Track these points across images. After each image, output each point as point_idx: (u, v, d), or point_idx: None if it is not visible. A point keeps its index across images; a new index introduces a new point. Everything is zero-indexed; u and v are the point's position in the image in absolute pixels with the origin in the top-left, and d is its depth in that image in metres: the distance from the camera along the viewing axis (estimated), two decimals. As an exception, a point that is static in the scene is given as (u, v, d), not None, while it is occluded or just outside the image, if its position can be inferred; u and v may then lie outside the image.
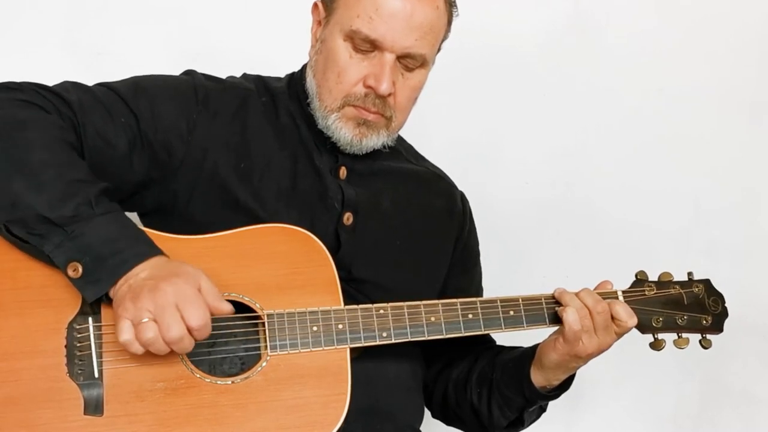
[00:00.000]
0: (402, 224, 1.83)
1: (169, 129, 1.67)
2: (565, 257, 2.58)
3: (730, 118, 2.67)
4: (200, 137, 1.69)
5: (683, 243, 2.64)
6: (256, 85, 1.81)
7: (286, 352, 1.57)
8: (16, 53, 2.21)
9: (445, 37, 1.76)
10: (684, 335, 1.77)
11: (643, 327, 1.74)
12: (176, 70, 1.80)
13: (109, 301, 1.48)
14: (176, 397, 1.50)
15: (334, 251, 1.68)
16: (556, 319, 1.70)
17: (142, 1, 2.29)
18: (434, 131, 2.35)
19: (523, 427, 1.87)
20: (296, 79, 1.82)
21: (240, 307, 1.56)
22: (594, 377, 2.37)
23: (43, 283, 1.49)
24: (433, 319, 1.66)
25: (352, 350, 1.60)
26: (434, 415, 1.99)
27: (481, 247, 2.00)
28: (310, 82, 1.76)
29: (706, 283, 1.81)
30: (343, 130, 1.72)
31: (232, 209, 1.69)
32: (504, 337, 1.85)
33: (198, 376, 1.52)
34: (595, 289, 1.75)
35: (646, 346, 1.77)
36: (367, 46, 1.67)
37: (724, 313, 1.80)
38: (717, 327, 1.79)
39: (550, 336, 1.73)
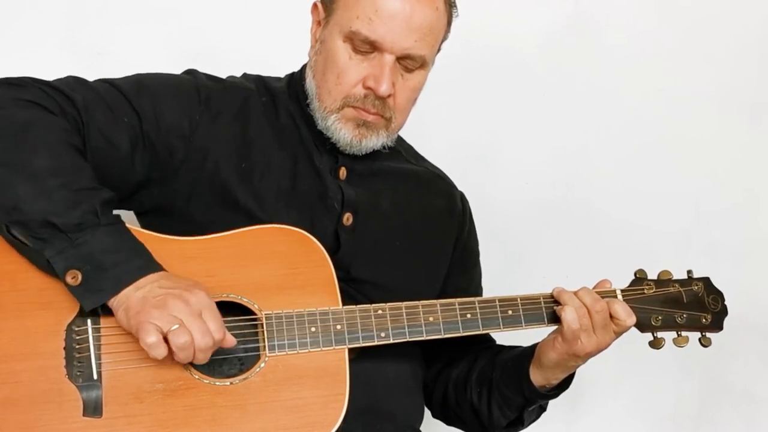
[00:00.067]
0: (402, 224, 1.83)
1: (171, 129, 1.67)
2: (565, 257, 2.57)
3: (730, 119, 2.66)
4: (202, 137, 1.69)
5: (683, 244, 2.63)
6: (256, 85, 1.81)
7: (285, 353, 1.57)
8: (16, 53, 2.21)
9: (444, 38, 1.76)
10: (683, 334, 1.77)
11: (642, 326, 1.74)
12: (176, 70, 1.80)
13: (104, 311, 1.49)
14: (175, 399, 1.50)
15: (334, 251, 1.69)
16: (555, 319, 1.70)
17: (142, 1, 2.29)
18: (434, 132, 2.35)
19: (523, 426, 1.87)
20: (296, 80, 1.82)
21: (238, 308, 1.56)
22: (593, 376, 2.37)
23: (42, 286, 1.49)
24: (431, 319, 1.66)
25: (351, 351, 1.61)
26: (434, 415, 1.99)
27: (481, 248, 2.00)
28: (310, 83, 1.76)
29: (706, 281, 1.81)
30: (342, 131, 1.72)
31: (232, 209, 1.69)
32: (503, 337, 1.85)
33: (196, 377, 1.52)
34: (594, 288, 1.75)
35: (646, 344, 1.77)
36: (367, 47, 1.67)
37: (724, 311, 1.80)
38: (717, 325, 1.79)
39: (549, 335, 1.73)
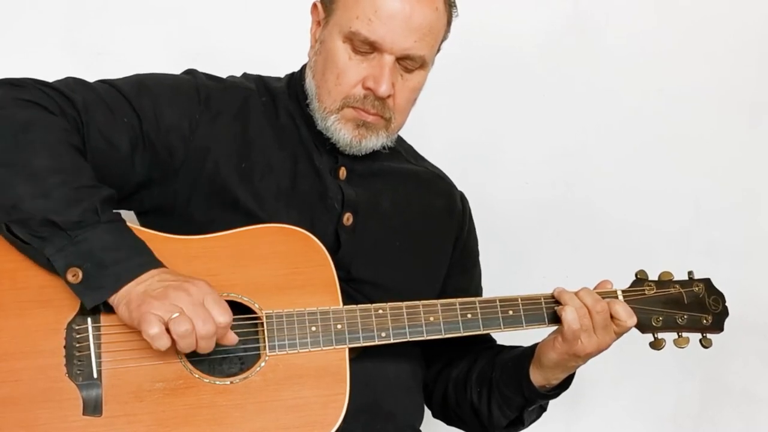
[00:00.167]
0: (402, 224, 1.83)
1: (171, 129, 1.67)
2: (565, 257, 2.57)
3: (730, 119, 2.66)
4: (202, 137, 1.69)
5: (683, 243, 2.63)
6: (256, 85, 1.81)
7: (285, 353, 1.57)
8: (16, 53, 2.21)
9: (444, 38, 1.76)
10: (684, 334, 1.77)
11: (642, 326, 1.74)
12: (176, 70, 1.80)
13: (106, 308, 1.49)
14: (175, 398, 1.50)
15: (334, 251, 1.69)
16: (556, 319, 1.70)
17: (142, 1, 2.29)
18: (434, 132, 2.35)
19: (523, 426, 1.87)
20: (296, 80, 1.82)
21: (239, 307, 1.56)
22: (594, 377, 2.37)
23: (43, 284, 1.50)
24: (431, 319, 1.66)
25: (351, 350, 1.61)
26: (434, 415, 1.99)
27: (481, 247, 2.00)
28: (310, 83, 1.76)
29: (707, 282, 1.81)
30: (342, 132, 1.72)
31: (232, 209, 1.69)
32: (503, 337, 1.85)
33: (197, 376, 1.52)
34: (594, 288, 1.75)
35: (646, 345, 1.77)
36: (367, 47, 1.67)
37: (725, 313, 1.80)
38: (717, 326, 1.79)
39: (549, 335, 1.73)
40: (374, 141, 1.73)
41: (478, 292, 1.98)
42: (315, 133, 1.76)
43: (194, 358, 1.53)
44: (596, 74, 2.58)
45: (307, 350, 1.58)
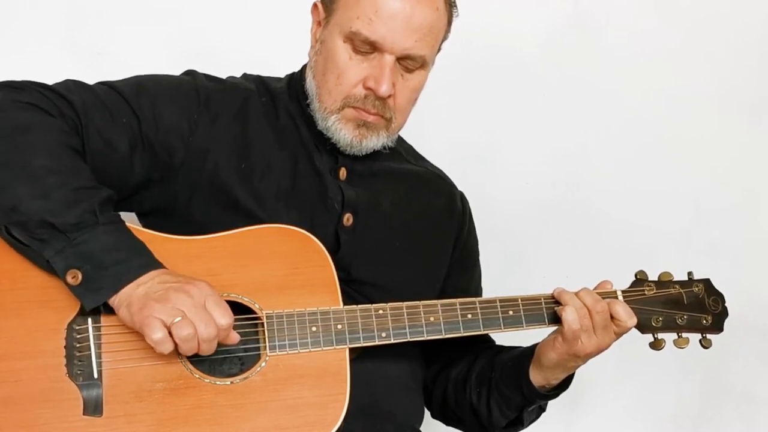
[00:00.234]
0: (402, 225, 1.83)
1: (171, 130, 1.67)
2: (565, 257, 2.57)
3: (730, 118, 2.67)
4: (201, 138, 1.69)
5: (683, 243, 2.64)
6: (256, 86, 1.81)
7: (285, 353, 1.57)
8: (16, 53, 2.21)
9: (444, 38, 1.76)
10: (684, 335, 1.77)
11: (642, 327, 1.74)
12: (176, 70, 1.80)
13: (106, 309, 1.49)
14: (175, 398, 1.50)
15: (334, 252, 1.69)
16: (556, 319, 1.70)
17: (142, 1, 2.29)
18: (434, 132, 2.35)
19: (523, 426, 1.87)
20: (296, 80, 1.82)
21: (239, 307, 1.56)
22: (593, 377, 2.37)
23: (43, 284, 1.49)
24: (432, 319, 1.66)
25: (351, 350, 1.61)
26: (434, 416, 1.99)
27: (481, 247, 2.00)
28: (310, 83, 1.76)
29: (706, 282, 1.81)
30: (343, 132, 1.71)
31: (232, 210, 1.69)
32: (503, 337, 1.85)
33: (197, 376, 1.52)
34: (594, 288, 1.75)
35: (646, 345, 1.77)
36: (367, 47, 1.66)
37: (724, 313, 1.80)
38: (717, 327, 1.79)
39: (549, 335, 1.73)
40: (375, 141, 1.73)
41: (478, 292, 1.98)
42: (315, 134, 1.76)
43: (195, 358, 1.52)
44: (596, 74, 2.58)
45: (308, 350, 1.58)
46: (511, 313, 1.69)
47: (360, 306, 1.63)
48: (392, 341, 1.63)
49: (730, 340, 1.87)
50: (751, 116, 2.69)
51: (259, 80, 1.83)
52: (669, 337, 1.77)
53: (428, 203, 1.89)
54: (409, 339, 1.64)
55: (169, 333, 1.43)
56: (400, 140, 1.92)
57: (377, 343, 1.62)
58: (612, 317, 1.69)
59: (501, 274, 2.20)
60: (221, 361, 1.58)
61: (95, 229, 1.47)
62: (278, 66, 1.89)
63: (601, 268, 1.91)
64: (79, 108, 1.60)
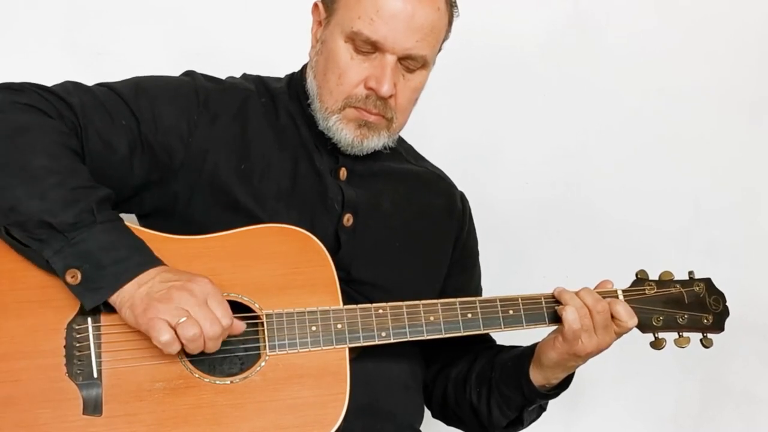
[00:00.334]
0: (402, 225, 1.83)
1: (170, 131, 1.67)
2: (565, 257, 2.57)
3: (730, 118, 2.67)
4: (201, 139, 1.69)
5: (683, 243, 2.64)
6: (256, 86, 1.81)
7: (285, 352, 1.57)
8: (16, 53, 2.21)
9: (445, 38, 1.76)
10: (685, 334, 1.77)
11: (643, 326, 1.74)
12: (176, 70, 1.80)
13: (107, 309, 1.49)
14: (175, 397, 1.50)
15: (334, 252, 1.68)
16: (556, 319, 1.70)
17: (142, 1, 2.29)
18: (434, 132, 2.35)
19: (523, 426, 1.87)
20: (296, 80, 1.82)
21: (239, 307, 1.56)
22: (594, 376, 2.37)
23: (42, 284, 1.49)
24: (432, 318, 1.66)
25: (351, 350, 1.61)
26: (434, 415, 1.99)
27: (481, 247, 2.00)
28: (311, 83, 1.76)
29: (707, 281, 1.81)
30: (344, 132, 1.71)
31: (232, 210, 1.69)
32: (504, 337, 1.85)
33: (197, 375, 1.52)
34: (595, 288, 1.75)
35: (647, 345, 1.77)
36: (368, 47, 1.66)
37: (725, 312, 1.80)
38: (718, 326, 1.78)
39: (550, 335, 1.73)
40: (376, 141, 1.73)
41: (477, 291, 1.98)
42: (315, 134, 1.76)
43: (195, 357, 1.52)
44: (596, 74, 2.58)
45: (307, 350, 1.58)
46: (511, 312, 1.69)
47: (360, 305, 1.63)
48: (392, 341, 1.63)
49: (730, 340, 1.87)
50: (751, 116, 2.69)
51: (259, 80, 1.83)
52: (670, 336, 1.76)
53: (428, 203, 1.89)
54: (409, 338, 1.64)
55: (176, 333, 1.44)
56: (401, 140, 1.92)
57: (377, 342, 1.62)
58: (613, 317, 1.69)
59: (501, 274, 2.20)
60: (221, 361, 1.58)
61: (93, 228, 1.47)
62: (278, 66, 1.89)
63: (601, 268, 1.91)
64: (78, 110, 1.60)
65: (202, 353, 1.48)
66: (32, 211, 1.46)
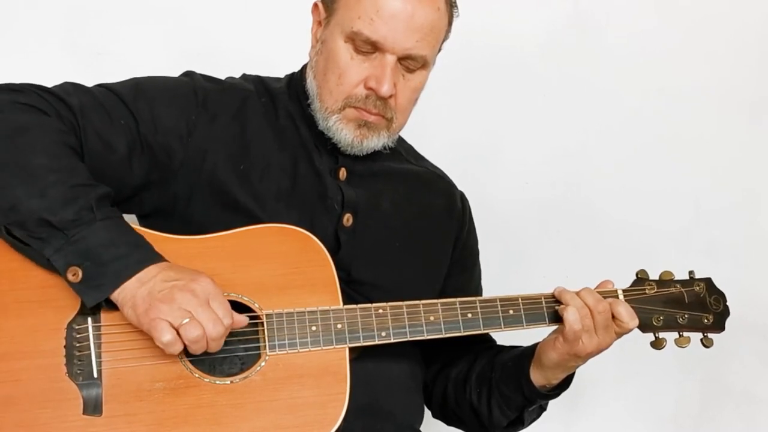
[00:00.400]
0: (402, 225, 1.83)
1: (169, 131, 1.67)
2: (565, 257, 2.57)
3: (730, 118, 2.67)
4: (200, 139, 1.69)
5: (683, 243, 2.64)
6: (255, 86, 1.81)
7: (285, 352, 1.57)
8: (16, 53, 2.21)
9: (445, 38, 1.76)
10: (685, 334, 1.76)
11: (643, 326, 1.74)
12: (176, 70, 1.80)
13: (109, 306, 1.49)
14: (175, 397, 1.50)
15: (334, 252, 1.68)
16: (556, 319, 1.70)
17: (142, 1, 2.29)
18: (434, 132, 2.35)
19: (523, 426, 1.87)
20: (296, 80, 1.82)
21: (239, 307, 1.56)
22: (594, 376, 2.37)
23: (42, 284, 1.50)
24: (432, 318, 1.66)
25: (352, 350, 1.60)
26: (434, 415, 1.99)
27: (481, 247, 2.00)
28: (311, 83, 1.76)
29: (708, 281, 1.81)
30: (344, 132, 1.71)
31: (232, 210, 1.69)
32: (504, 337, 1.85)
33: (197, 375, 1.52)
34: (595, 288, 1.74)
35: (647, 345, 1.77)
36: (368, 47, 1.66)
37: (726, 312, 1.79)
38: (718, 326, 1.78)
39: (550, 335, 1.73)
40: (376, 141, 1.73)
41: (477, 291, 1.98)
42: (315, 134, 1.76)
43: (195, 357, 1.52)
44: (596, 74, 2.58)
45: (307, 350, 1.58)
46: (511, 312, 1.69)
47: (360, 305, 1.63)
48: (392, 340, 1.63)
49: (730, 340, 1.87)
50: (751, 116, 2.69)
51: (259, 80, 1.83)
52: (670, 336, 1.76)
53: (428, 203, 1.89)
54: (409, 338, 1.64)
55: (177, 333, 1.44)
56: (401, 140, 1.92)
57: (377, 342, 1.62)
58: (613, 317, 1.69)
59: (501, 274, 2.20)
60: (221, 361, 1.58)
61: (93, 225, 1.47)
62: (278, 66, 1.89)
63: (601, 267, 1.91)
64: (77, 110, 1.60)
65: (204, 353, 1.48)
66: (32, 209, 1.46)
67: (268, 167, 1.72)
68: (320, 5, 1.74)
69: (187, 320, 1.43)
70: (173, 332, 1.43)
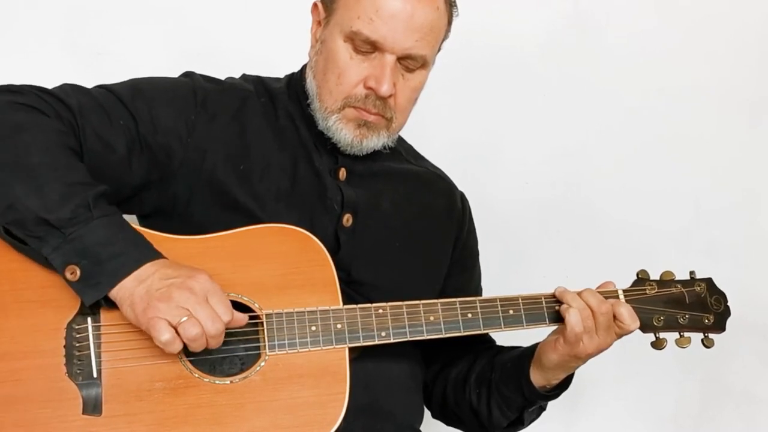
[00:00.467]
0: (401, 225, 1.83)
1: (168, 131, 1.67)
2: (565, 257, 2.57)
3: (730, 118, 2.67)
4: (199, 139, 1.69)
5: (683, 243, 2.64)
6: (255, 86, 1.81)
7: (285, 352, 1.57)
8: (16, 53, 2.21)
9: (445, 38, 1.76)
10: (686, 334, 1.76)
11: (644, 326, 1.73)
12: (176, 70, 1.80)
13: (108, 304, 1.49)
14: (175, 397, 1.50)
15: (334, 253, 1.68)
16: (556, 319, 1.70)
17: (142, 1, 2.29)
18: (434, 131, 2.35)
19: (523, 426, 1.87)
20: (296, 80, 1.82)
21: (239, 306, 1.56)
22: (594, 376, 2.37)
23: (42, 284, 1.50)
24: (432, 318, 1.65)
25: (351, 350, 1.60)
26: (434, 416, 1.99)
27: (481, 247, 2.00)
28: (310, 83, 1.76)
29: (708, 281, 1.81)
30: (343, 132, 1.71)
31: (232, 210, 1.69)
32: (504, 337, 1.85)
33: (197, 375, 1.52)
34: (596, 288, 1.74)
35: (647, 345, 1.77)
36: (368, 47, 1.66)
37: (727, 312, 1.79)
38: (719, 326, 1.78)
39: (550, 336, 1.73)
40: (375, 141, 1.73)
41: (477, 291, 1.98)
42: (315, 134, 1.76)
43: (195, 357, 1.52)
44: (596, 74, 2.58)
45: (307, 350, 1.58)
46: (511, 312, 1.69)
47: (360, 305, 1.63)
48: (392, 340, 1.63)
49: (730, 340, 1.86)
50: (751, 116, 2.69)
51: (258, 81, 1.83)
52: (670, 336, 1.76)
53: (428, 203, 1.89)
54: (408, 338, 1.64)
55: (176, 332, 1.44)
56: (400, 140, 1.92)
57: (377, 342, 1.62)
58: (615, 318, 1.68)
59: (501, 274, 2.20)
60: (221, 361, 1.58)
61: (90, 223, 1.47)
62: (278, 66, 1.89)
63: (601, 268, 1.91)
64: (76, 110, 1.60)
65: (204, 351, 1.48)
66: (30, 208, 1.46)
67: (268, 167, 1.72)
68: (320, 5, 1.74)
69: (186, 318, 1.43)
70: (172, 331, 1.43)
